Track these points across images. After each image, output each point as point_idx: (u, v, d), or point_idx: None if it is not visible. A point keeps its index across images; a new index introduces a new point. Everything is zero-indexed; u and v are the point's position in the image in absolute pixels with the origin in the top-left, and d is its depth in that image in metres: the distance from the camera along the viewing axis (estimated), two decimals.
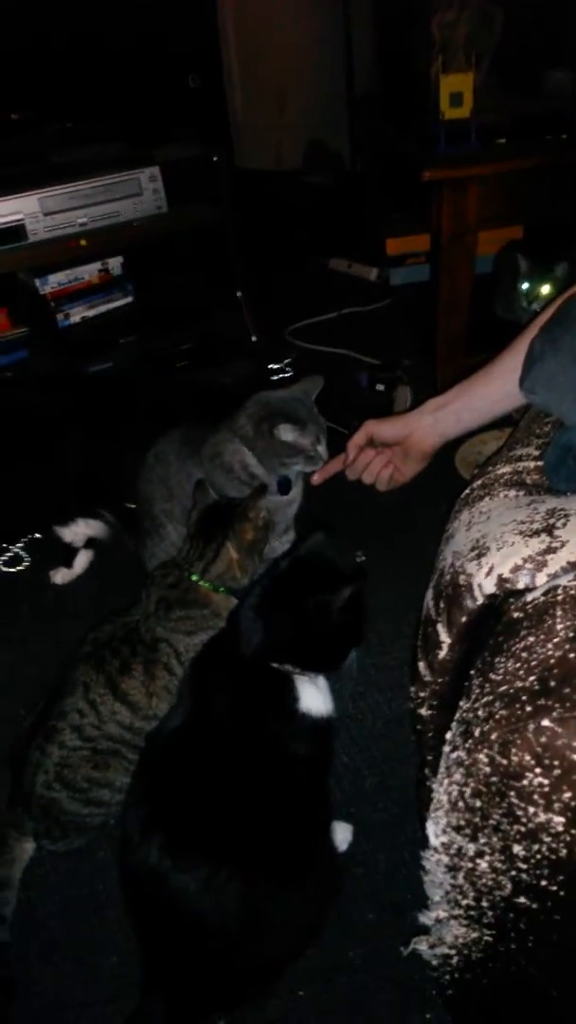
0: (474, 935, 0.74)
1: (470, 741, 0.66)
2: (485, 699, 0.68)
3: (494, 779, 0.64)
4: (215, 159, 2.29)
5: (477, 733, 0.66)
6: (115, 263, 2.43)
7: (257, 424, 1.43)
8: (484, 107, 2.01)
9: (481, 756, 0.64)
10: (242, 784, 0.98)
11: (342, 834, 1.22)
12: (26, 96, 2.05)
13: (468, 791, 0.66)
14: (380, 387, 2.31)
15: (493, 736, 0.64)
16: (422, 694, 0.87)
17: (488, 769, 0.64)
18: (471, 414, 1.20)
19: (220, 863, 0.94)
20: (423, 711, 0.88)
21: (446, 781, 0.67)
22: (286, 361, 2.50)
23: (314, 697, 1.03)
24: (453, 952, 0.78)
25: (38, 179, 2.08)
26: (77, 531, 1.69)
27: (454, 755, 0.67)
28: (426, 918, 0.78)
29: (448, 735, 0.70)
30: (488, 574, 0.80)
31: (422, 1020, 1.05)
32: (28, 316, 2.34)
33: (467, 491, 1.02)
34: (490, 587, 0.79)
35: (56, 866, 1.25)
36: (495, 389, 1.14)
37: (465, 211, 1.99)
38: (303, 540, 1.13)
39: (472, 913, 0.72)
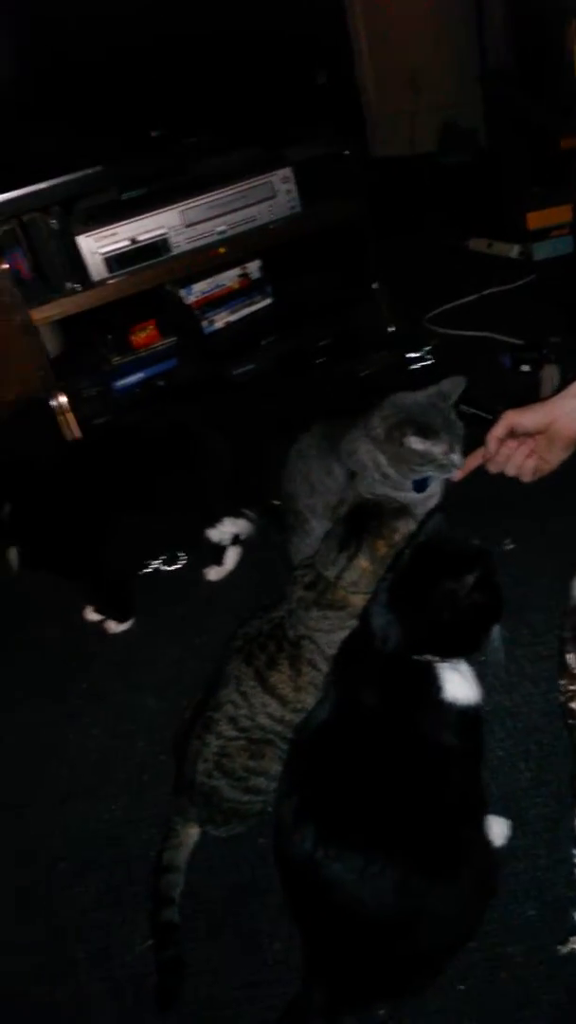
0: None
1: None
2: None
3: None
4: (346, 152, 2.30)
5: None
6: (253, 267, 2.49)
7: (388, 430, 1.41)
8: None
9: None
10: (392, 775, 0.99)
11: (498, 828, 1.20)
12: (162, 112, 2.13)
13: None
14: (525, 368, 2.24)
15: None
16: (572, 687, 0.85)
17: None
18: None
19: (373, 853, 0.95)
20: (574, 705, 0.86)
21: None
22: (426, 349, 2.46)
23: (459, 685, 1.01)
24: None
25: (178, 193, 2.17)
26: (224, 531, 1.75)
27: None
28: None
29: None
30: None
31: None
32: (175, 326, 2.44)
33: None
34: None
35: (219, 851, 1.30)
36: None
37: None
38: (421, 526, 1.12)
39: None
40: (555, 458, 1.25)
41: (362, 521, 1.28)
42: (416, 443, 1.37)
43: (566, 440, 1.22)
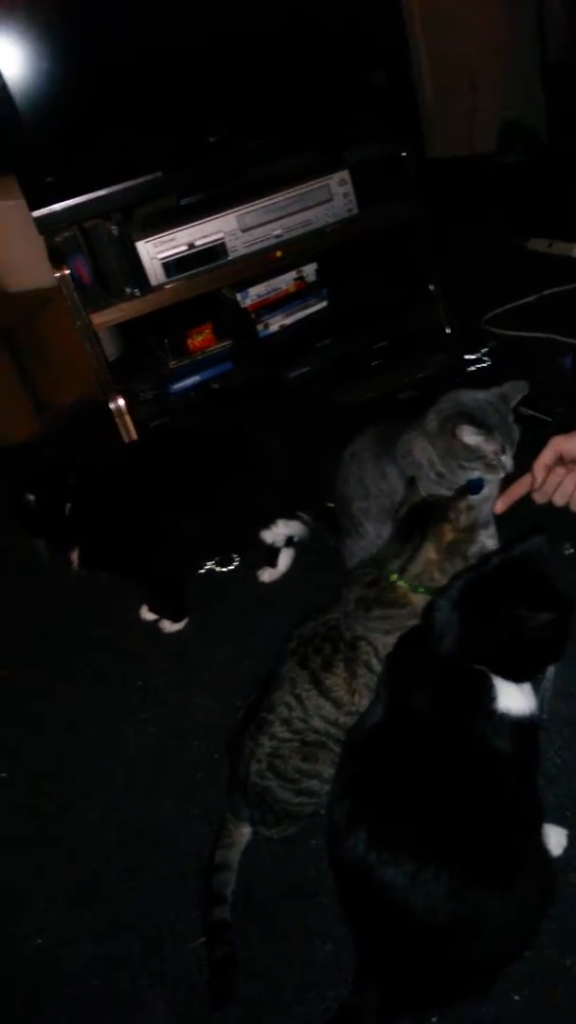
0: None
1: None
2: None
3: None
4: (404, 154, 2.28)
5: None
6: (309, 270, 2.49)
7: (442, 422, 1.40)
8: None
9: None
10: (444, 780, 0.98)
11: (556, 838, 1.17)
12: (220, 117, 2.15)
13: None
14: None
15: None
16: None
17: None
18: None
19: (426, 858, 0.94)
20: None
21: None
22: (483, 351, 2.44)
23: (514, 697, 0.99)
24: None
25: (236, 197, 2.19)
26: (277, 533, 1.76)
27: None
28: None
29: None
30: None
31: None
32: (231, 329, 2.45)
33: None
34: None
35: (272, 852, 1.31)
36: None
37: None
38: (522, 539, 1.07)
39: None
40: None
41: (423, 515, 1.27)
42: (469, 435, 1.36)
43: None
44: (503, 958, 1.05)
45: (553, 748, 1.32)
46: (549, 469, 1.20)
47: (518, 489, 1.26)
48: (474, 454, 1.38)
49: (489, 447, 1.37)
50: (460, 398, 1.43)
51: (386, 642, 1.24)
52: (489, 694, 0.99)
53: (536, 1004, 1.05)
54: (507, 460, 1.38)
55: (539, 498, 1.24)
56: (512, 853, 1.00)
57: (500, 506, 1.30)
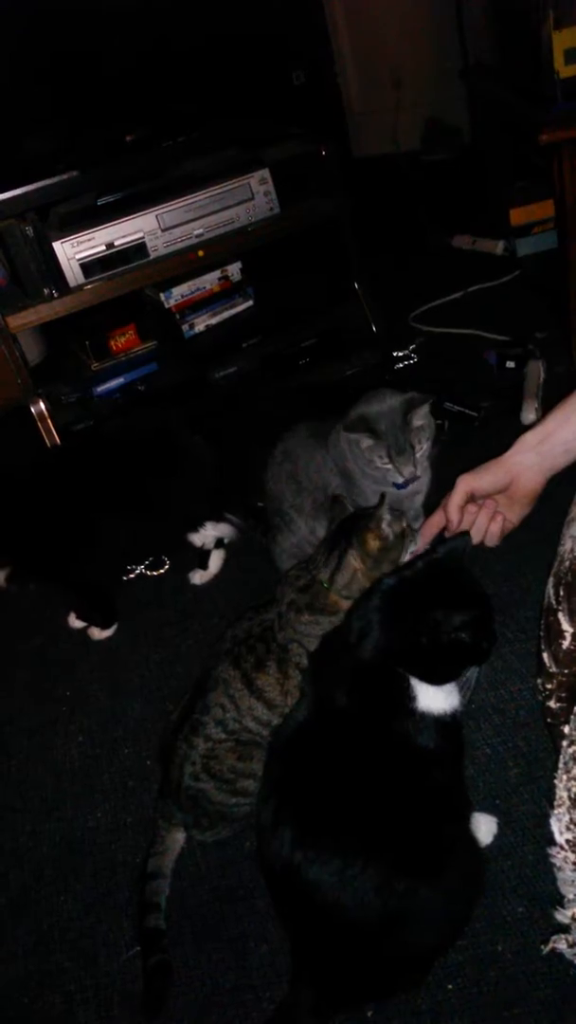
0: None
1: None
2: None
3: None
4: (324, 152, 2.29)
5: None
6: (234, 269, 2.49)
7: (346, 421, 1.44)
8: None
9: None
10: (368, 776, 0.98)
11: (486, 826, 1.19)
12: (138, 116, 2.13)
13: None
14: (510, 364, 2.23)
15: None
16: (548, 686, 0.84)
17: None
18: None
19: (352, 855, 0.94)
20: (552, 703, 0.85)
21: (565, 777, 0.64)
22: (411, 348, 2.46)
23: (433, 696, 0.99)
24: None
25: (155, 197, 2.17)
26: (206, 535, 1.75)
27: (572, 749, 0.64)
28: (562, 916, 0.76)
29: (566, 729, 0.67)
30: None
31: None
32: (156, 330, 2.43)
33: None
34: None
35: (206, 856, 1.30)
36: None
37: None
38: (446, 541, 1.08)
39: None
40: (517, 516, 1.19)
41: (350, 525, 1.28)
42: (355, 438, 1.40)
43: (529, 496, 1.16)
44: (436, 948, 1.06)
45: (483, 737, 1.34)
46: (462, 509, 1.19)
47: (430, 530, 1.26)
48: (365, 457, 1.42)
49: (375, 453, 1.40)
50: (369, 402, 1.45)
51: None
52: (408, 695, 0.99)
53: (470, 992, 1.06)
54: (402, 466, 1.40)
55: None
56: (440, 844, 1.01)
57: (420, 545, 1.30)
